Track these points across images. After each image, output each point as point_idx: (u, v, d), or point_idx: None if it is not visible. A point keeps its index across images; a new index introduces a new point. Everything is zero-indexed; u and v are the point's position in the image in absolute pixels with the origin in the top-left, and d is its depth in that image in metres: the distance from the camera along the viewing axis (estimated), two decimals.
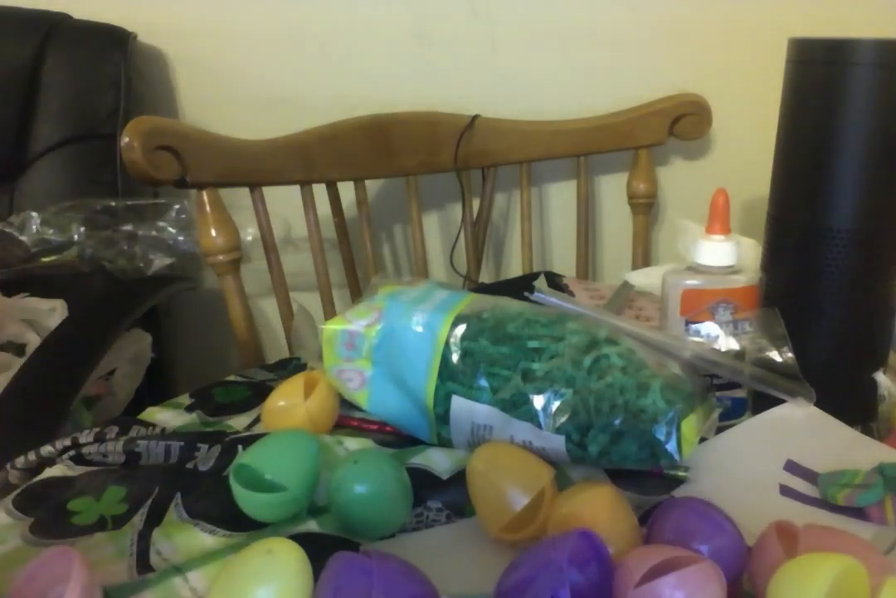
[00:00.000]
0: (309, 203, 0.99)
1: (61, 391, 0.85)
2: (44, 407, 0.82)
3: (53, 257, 1.10)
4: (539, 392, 0.53)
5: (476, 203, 1.16)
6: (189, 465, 0.57)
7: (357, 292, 1.09)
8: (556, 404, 0.53)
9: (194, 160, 0.85)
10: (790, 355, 0.60)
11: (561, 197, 1.22)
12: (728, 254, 0.62)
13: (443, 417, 0.57)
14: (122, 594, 0.44)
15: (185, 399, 0.69)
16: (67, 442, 0.60)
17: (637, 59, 1.14)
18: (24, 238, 1.09)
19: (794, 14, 1.09)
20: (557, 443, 0.53)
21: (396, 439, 0.61)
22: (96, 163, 1.17)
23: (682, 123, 1.11)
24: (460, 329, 0.56)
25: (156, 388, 1.17)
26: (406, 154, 1.06)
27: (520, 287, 0.67)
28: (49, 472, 0.57)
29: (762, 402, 0.61)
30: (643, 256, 1.17)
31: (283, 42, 1.18)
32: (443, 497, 0.53)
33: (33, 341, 0.99)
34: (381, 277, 0.65)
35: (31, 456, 0.59)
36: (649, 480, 0.55)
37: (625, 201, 1.16)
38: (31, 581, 0.39)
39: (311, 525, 0.50)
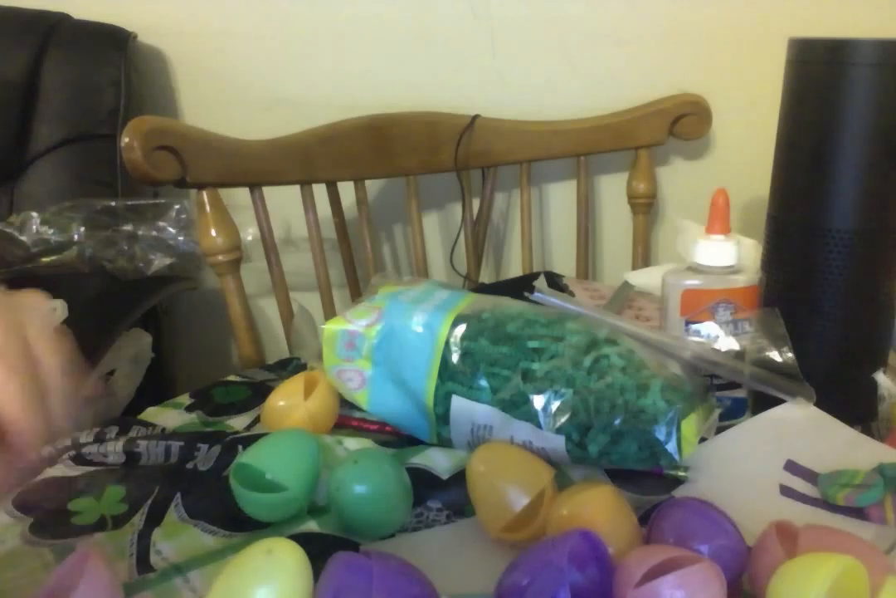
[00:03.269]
0: (309, 203, 0.99)
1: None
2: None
3: (53, 257, 1.10)
4: (539, 392, 0.53)
5: (476, 203, 1.16)
6: (189, 465, 0.57)
7: (357, 292, 1.09)
8: (556, 404, 0.53)
9: (194, 160, 0.85)
10: (790, 355, 0.60)
11: (561, 197, 1.22)
12: (728, 254, 0.62)
13: (443, 417, 0.57)
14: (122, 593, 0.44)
15: (185, 399, 0.69)
16: (67, 442, 0.60)
17: (637, 59, 1.14)
18: (24, 238, 1.09)
19: (794, 14, 1.09)
20: (557, 443, 0.53)
21: (396, 439, 0.61)
22: (96, 163, 1.17)
23: (682, 123, 1.11)
24: (460, 329, 0.56)
25: (156, 388, 1.17)
26: (406, 154, 1.06)
27: (520, 287, 0.67)
28: (49, 472, 0.57)
29: (762, 402, 0.61)
30: (643, 256, 1.17)
31: (283, 42, 1.18)
32: (443, 497, 0.53)
33: None
34: (381, 277, 0.65)
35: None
36: (649, 480, 0.55)
37: (625, 201, 1.16)
38: (56, 584, 0.39)
39: (311, 525, 0.50)
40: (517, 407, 0.54)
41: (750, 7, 1.10)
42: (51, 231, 1.10)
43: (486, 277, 1.26)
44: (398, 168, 1.06)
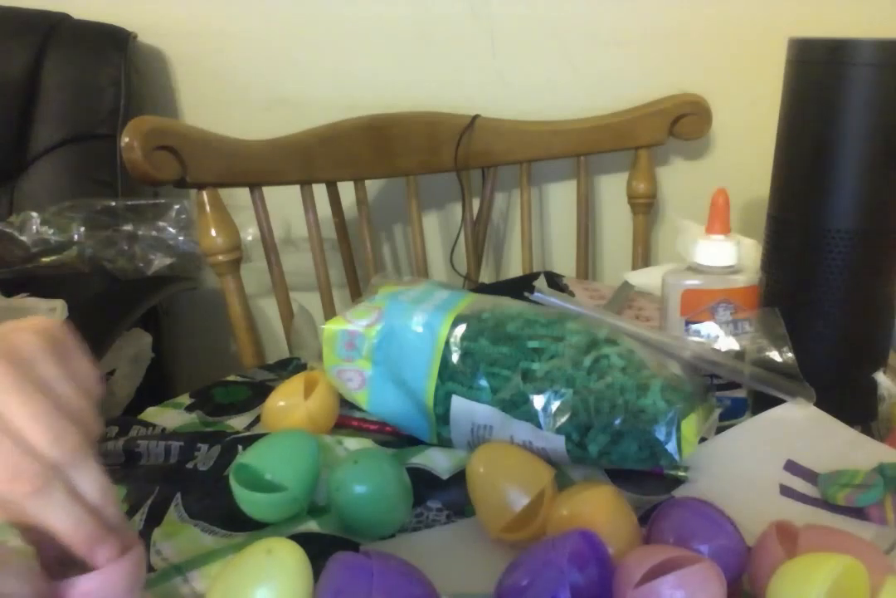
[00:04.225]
0: (309, 203, 0.99)
1: None
2: None
3: (53, 257, 1.10)
4: (539, 392, 0.53)
5: (476, 203, 1.16)
6: (189, 465, 0.57)
7: (357, 292, 1.09)
8: (556, 404, 0.53)
9: (194, 160, 0.85)
10: (790, 355, 0.60)
11: (561, 197, 1.22)
12: (728, 254, 0.62)
13: (443, 417, 0.57)
14: None
15: (185, 399, 0.69)
16: None
17: (637, 59, 1.14)
18: (24, 238, 1.09)
19: (794, 14, 1.09)
20: (557, 443, 0.53)
21: (396, 439, 0.61)
22: (96, 163, 1.17)
23: (682, 123, 1.11)
24: (460, 329, 0.56)
25: (156, 388, 1.17)
26: (406, 154, 1.06)
27: (520, 287, 0.67)
28: None
29: (762, 402, 0.61)
30: (643, 256, 1.17)
31: (283, 42, 1.18)
32: (443, 497, 0.53)
33: None
34: (381, 277, 0.65)
35: None
36: (649, 480, 0.55)
37: (625, 201, 1.16)
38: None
39: (311, 525, 0.50)
40: (517, 407, 0.54)
41: (750, 7, 1.10)
42: (51, 231, 1.10)
43: (486, 277, 1.26)
44: (398, 168, 1.06)
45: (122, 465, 0.58)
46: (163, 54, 1.23)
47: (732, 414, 0.62)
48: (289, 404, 0.60)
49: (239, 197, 0.96)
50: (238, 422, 0.65)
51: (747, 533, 0.44)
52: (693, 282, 0.63)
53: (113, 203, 1.13)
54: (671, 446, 0.51)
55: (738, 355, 0.61)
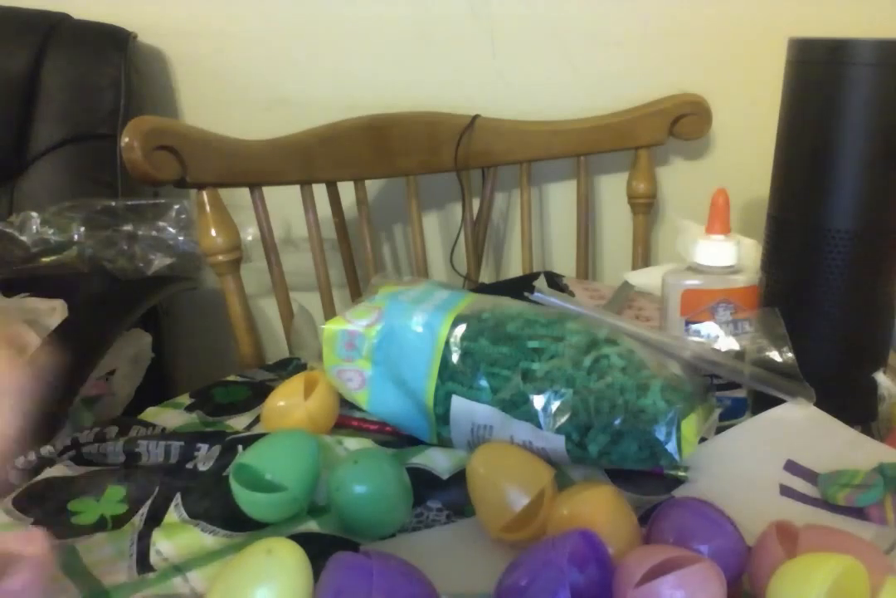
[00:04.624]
0: (309, 203, 0.99)
1: (61, 392, 0.85)
2: (43, 407, 0.82)
3: (53, 257, 1.10)
4: (539, 392, 0.53)
5: (476, 203, 1.16)
6: (189, 465, 0.57)
7: (357, 292, 1.09)
8: (556, 404, 0.53)
9: (194, 160, 0.85)
10: (790, 355, 0.60)
11: (561, 197, 1.22)
12: (728, 254, 0.62)
13: (443, 417, 0.57)
14: (122, 594, 0.44)
15: (185, 399, 0.69)
16: (67, 442, 0.60)
17: (637, 59, 1.14)
18: (24, 238, 1.09)
19: (794, 14, 1.09)
20: (557, 443, 0.53)
21: (396, 439, 0.61)
22: (96, 163, 1.17)
23: (682, 123, 1.11)
24: (460, 329, 0.56)
25: (156, 388, 1.17)
26: (406, 154, 1.06)
27: (520, 287, 0.67)
28: (49, 472, 0.57)
29: (762, 402, 0.61)
30: (643, 256, 1.17)
31: (283, 42, 1.18)
32: (443, 497, 0.53)
33: (33, 341, 0.99)
34: (381, 277, 0.65)
35: (31, 456, 0.59)
36: (649, 480, 0.55)
37: (625, 201, 1.16)
38: None
39: (311, 525, 0.50)
40: (517, 407, 0.54)
41: (750, 7, 1.10)
42: (51, 231, 1.10)
43: (486, 277, 1.26)
44: (398, 168, 1.06)
45: (122, 465, 0.58)
46: (163, 54, 1.23)
47: (732, 414, 0.62)
48: (289, 404, 0.60)
49: (239, 197, 0.96)
50: (238, 422, 0.65)
51: (747, 533, 0.44)
52: (693, 282, 0.63)
53: (113, 203, 1.13)
54: (671, 446, 0.51)
55: (738, 355, 0.61)
